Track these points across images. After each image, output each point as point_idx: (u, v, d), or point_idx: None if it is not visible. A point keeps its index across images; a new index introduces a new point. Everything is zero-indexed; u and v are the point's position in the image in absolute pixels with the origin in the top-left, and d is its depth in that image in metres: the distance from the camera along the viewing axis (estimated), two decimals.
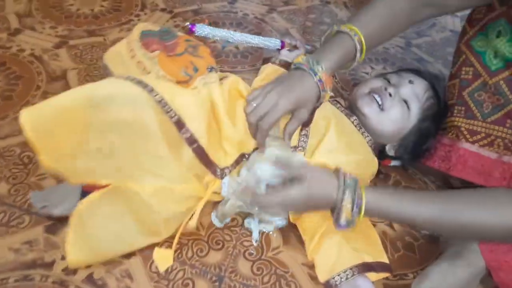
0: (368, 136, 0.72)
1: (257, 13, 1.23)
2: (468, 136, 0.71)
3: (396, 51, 1.17)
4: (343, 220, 0.56)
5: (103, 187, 0.58)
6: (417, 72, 0.78)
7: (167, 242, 0.64)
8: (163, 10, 1.17)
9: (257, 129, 0.58)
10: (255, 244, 0.66)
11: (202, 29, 0.76)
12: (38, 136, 0.51)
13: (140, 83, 0.57)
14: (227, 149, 0.65)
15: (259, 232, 0.68)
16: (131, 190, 0.58)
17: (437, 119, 0.75)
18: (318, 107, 0.68)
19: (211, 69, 0.70)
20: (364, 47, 0.63)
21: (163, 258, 0.62)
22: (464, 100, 0.72)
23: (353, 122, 0.72)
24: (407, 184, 0.81)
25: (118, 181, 0.58)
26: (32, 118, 0.51)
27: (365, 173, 0.70)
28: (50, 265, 0.60)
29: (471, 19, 0.74)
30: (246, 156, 0.66)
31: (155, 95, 0.57)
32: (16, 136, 0.76)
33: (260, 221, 0.68)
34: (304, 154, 0.67)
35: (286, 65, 0.82)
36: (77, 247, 0.58)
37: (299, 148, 0.68)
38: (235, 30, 1.13)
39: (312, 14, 1.28)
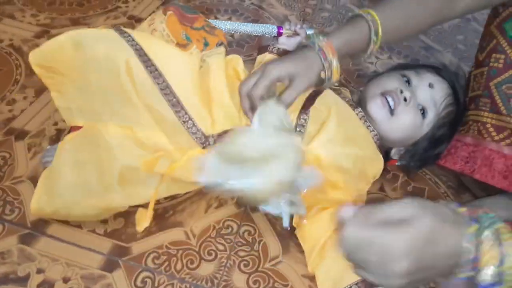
0: (373, 131, 0.65)
1: None
2: (494, 133, 0.64)
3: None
4: (486, 275, 0.36)
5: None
6: (438, 70, 0.70)
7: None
8: None
9: (247, 100, 0.54)
10: (286, 225, 0.57)
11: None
12: (44, 72, 0.58)
13: (123, 33, 0.58)
14: (217, 117, 0.60)
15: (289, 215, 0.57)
16: (97, 132, 0.58)
17: (453, 126, 0.68)
18: (324, 85, 0.58)
19: (220, 44, 0.67)
20: (380, 33, 0.56)
21: (142, 218, 0.60)
22: (491, 92, 0.65)
23: (357, 114, 0.65)
24: (417, 184, 0.75)
25: (89, 122, 0.59)
26: (36, 56, 0.57)
27: (367, 171, 0.64)
28: (24, 279, 0.54)
29: None
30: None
31: (133, 45, 0.57)
32: None
33: (290, 203, 0.56)
34: (302, 140, 0.60)
35: (286, 53, 0.76)
36: (42, 194, 0.57)
37: (297, 132, 0.61)
38: (229, 18, 1.07)
39: (312, 0, 1.20)
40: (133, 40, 0.57)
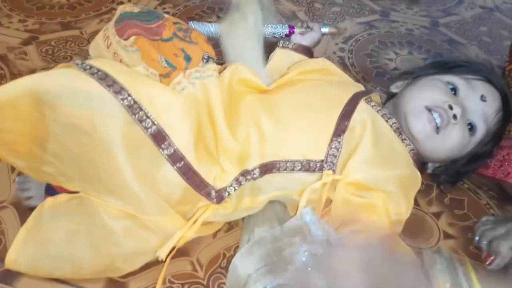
0: (410, 145, 0.57)
1: None
2: None
3: (421, 32, 1.01)
4: None
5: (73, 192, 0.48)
6: (488, 75, 0.60)
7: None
8: None
9: None
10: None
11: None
12: None
13: (105, 79, 0.43)
14: (225, 165, 0.50)
15: None
16: (95, 207, 0.46)
17: (498, 141, 0.60)
18: None
19: (207, 59, 0.53)
20: None
21: None
22: None
23: (391, 126, 0.56)
24: (455, 196, 0.66)
25: (83, 191, 0.47)
26: None
27: (408, 191, 0.54)
28: None
29: None
30: (250, 173, 0.51)
31: (125, 98, 0.43)
32: None
33: None
34: (334, 172, 0.52)
35: (301, 48, 0.68)
36: (24, 246, 0.47)
37: (327, 165, 0.52)
38: None
39: None
40: (120, 88, 0.43)
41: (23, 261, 0.47)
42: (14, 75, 0.76)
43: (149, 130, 0.44)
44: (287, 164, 0.52)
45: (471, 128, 0.57)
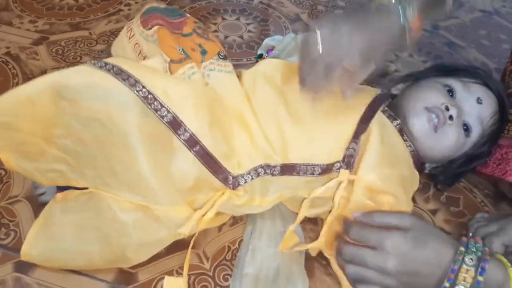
0: (410, 146, 0.59)
1: None
2: None
3: (421, 35, 1.03)
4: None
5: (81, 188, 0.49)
6: (484, 79, 0.63)
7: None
8: None
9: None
10: None
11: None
12: None
13: (120, 73, 0.45)
14: (243, 151, 0.52)
15: None
16: (105, 201, 0.48)
17: (494, 142, 0.62)
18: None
19: (224, 56, 0.57)
20: None
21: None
22: None
23: (395, 127, 0.59)
24: (451, 194, 0.68)
25: (94, 186, 0.48)
26: None
27: (408, 191, 0.56)
28: None
29: None
30: (271, 168, 0.53)
31: (140, 90, 0.45)
32: None
33: None
34: (350, 172, 0.54)
35: None
36: (36, 240, 0.49)
37: (345, 164, 0.53)
38: (238, 18, 1.01)
39: None
40: (135, 81, 0.45)
41: (36, 254, 0.49)
42: (26, 75, 0.78)
43: (165, 118, 0.46)
44: (307, 168, 0.53)
45: (467, 129, 0.59)
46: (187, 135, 0.47)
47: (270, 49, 0.86)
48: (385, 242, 0.45)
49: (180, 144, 0.48)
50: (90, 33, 0.90)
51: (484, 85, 0.62)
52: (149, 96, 0.45)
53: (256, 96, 0.56)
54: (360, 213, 0.50)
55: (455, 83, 0.61)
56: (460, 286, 0.42)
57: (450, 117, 0.57)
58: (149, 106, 0.45)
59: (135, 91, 0.45)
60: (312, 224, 0.60)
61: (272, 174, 0.53)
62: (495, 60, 0.96)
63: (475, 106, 0.60)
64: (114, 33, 0.90)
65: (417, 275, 0.45)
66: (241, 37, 0.95)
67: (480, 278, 0.42)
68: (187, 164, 0.49)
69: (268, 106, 0.56)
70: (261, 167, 0.53)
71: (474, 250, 0.44)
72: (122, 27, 0.91)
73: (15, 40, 0.86)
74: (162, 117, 0.46)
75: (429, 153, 0.60)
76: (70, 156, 0.47)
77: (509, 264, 0.44)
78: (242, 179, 0.52)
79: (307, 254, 0.56)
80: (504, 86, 0.66)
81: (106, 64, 0.46)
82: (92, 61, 0.47)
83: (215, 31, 0.95)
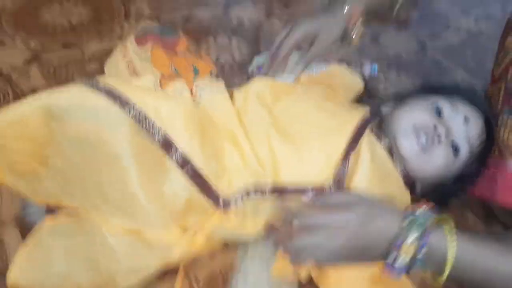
0: (400, 165, 0.60)
1: (254, 19, 1.11)
2: None
3: (409, 55, 1.06)
4: (399, 260, 0.42)
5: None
6: (471, 98, 0.64)
7: None
8: (149, 17, 1.05)
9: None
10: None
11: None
12: None
13: (111, 93, 0.45)
14: (234, 170, 0.53)
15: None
16: (95, 225, 0.47)
17: (483, 161, 0.63)
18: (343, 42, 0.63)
19: (215, 76, 0.58)
20: None
21: None
22: None
23: (382, 145, 0.60)
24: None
25: (84, 208, 0.48)
26: None
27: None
28: None
29: None
30: (262, 189, 0.53)
31: (131, 109, 0.45)
32: None
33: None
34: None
35: None
36: (23, 265, 0.49)
37: (334, 185, 0.54)
38: (229, 39, 1.02)
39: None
40: (126, 100, 0.45)
41: (23, 279, 0.49)
42: (17, 94, 0.78)
43: (156, 136, 0.46)
44: (298, 189, 0.54)
45: (455, 148, 0.60)
46: (179, 154, 0.48)
47: (260, 66, 0.87)
48: (332, 221, 0.45)
49: (172, 164, 0.48)
50: (82, 53, 0.90)
51: (471, 105, 0.63)
52: (141, 116, 0.46)
53: (247, 115, 0.57)
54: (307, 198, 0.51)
55: (442, 103, 0.62)
56: (401, 259, 0.42)
57: (439, 137, 0.58)
58: (141, 126, 0.46)
59: (127, 111, 0.45)
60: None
61: (262, 194, 0.53)
62: (482, 81, 0.98)
63: (463, 125, 0.61)
64: (108, 53, 0.90)
65: (364, 249, 0.45)
66: (233, 57, 0.96)
67: (419, 256, 0.42)
68: (178, 184, 0.49)
69: (259, 125, 0.56)
70: (252, 187, 0.53)
71: (418, 222, 0.43)
72: (115, 47, 0.92)
73: (7, 60, 0.86)
74: (154, 136, 0.46)
75: (418, 172, 0.61)
76: (60, 176, 0.46)
77: (453, 235, 0.43)
78: (233, 199, 0.51)
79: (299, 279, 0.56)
80: (489, 107, 0.67)
81: (97, 83, 0.46)
82: (83, 81, 0.47)
83: (206, 51, 0.96)
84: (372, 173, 0.54)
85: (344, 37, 0.62)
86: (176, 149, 0.47)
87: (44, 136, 0.45)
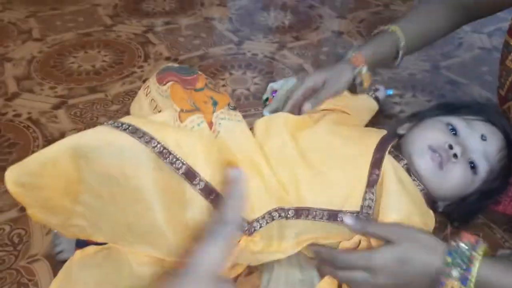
0: (420, 185, 0.60)
1: (266, 51, 1.15)
2: None
3: (423, 75, 1.06)
4: None
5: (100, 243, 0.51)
6: (489, 116, 0.64)
7: None
8: (167, 58, 1.10)
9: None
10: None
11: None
12: (24, 191, 0.47)
13: (136, 132, 0.48)
14: (256, 195, 0.53)
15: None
16: (123, 256, 0.49)
17: (507, 178, 0.62)
18: (358, 90, 0.70)
19: (233, 107, 0.60)
20: (404, 41, 0.70)
21: None
22: None
23: (402, 167, 0.60)
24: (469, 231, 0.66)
25: (111, 241, 0.50)
26: (16, 173, 0.46)
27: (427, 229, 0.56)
28: None
29: None
30: (285, 211, 0.53)
31: (155, 145, 0.47)
32: (7, 211, 0.67)
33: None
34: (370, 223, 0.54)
35: None
36: None
37: (363, 216, 0.54)
38: (244, 72, 1.06)
39: (325, 47, 1.20)
40: (150, 137, 0.47)
41: None
42: (46, 137, 0.82)
43: (180, 170, 0.48)
44: (324, 212, 0.54)
45: (473, 166, 0.59)
46: (202, 184, 0.49)
47: (274, 92, 0.89)
48: (371, 263, 0.48)
49: (193, 194, 0.49)
50: (106, 95, 0.95)
51: (488, 122, 0.63)
52: (164, 151, 0.48)
53: (268, 143, 0.58)
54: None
55: (457, 122, 0.62)
56: None
57: (455, 155, 0.58)
58: (165, 160, 0.47)
59: (151, 147, 0.47)
60: None
61: (287, 218, 0.53)
62: None
63: (480, 143, 0.60)
64: (129, 94, 0.95)
65: (407, 286, 0.49)
66: (248, 89, 0.99)
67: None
68: (201, 214, 0.49)
69: (280, 152, 0.57)
70: (275, 210, 0.53)
71: (460, 261, 0.46)
72: (136, 88, 0.97)
73: (36, 106, 0.91)
74: (178, 169, 0.48)
75: (438, 191, 0.60)
76: (88, 211, 0.48)
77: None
78: (257, 224, 0.52)
79: None
80: (508, 122, 0.66)
81: (122, 124, 0.49)
82: (109, 122, 0.50)
83: (224, 85, 1.00)
84: (400, 194, 0.54)
85: (354, 83, 0.69)
86: (200, 179, 0.49)
87: (73, 174, 0.47)
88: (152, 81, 0.62)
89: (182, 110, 0.55)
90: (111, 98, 0.94)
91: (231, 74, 1.05)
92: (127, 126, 0.48)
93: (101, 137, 0.47)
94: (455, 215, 0.64)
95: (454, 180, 0.59)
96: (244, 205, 0.46)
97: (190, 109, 0.56)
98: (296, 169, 0.55)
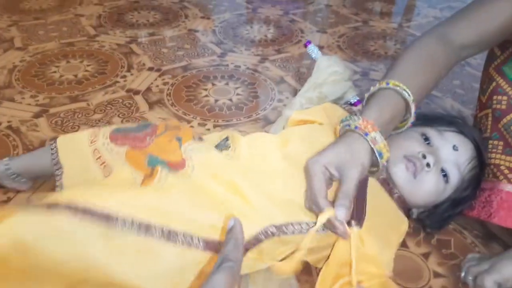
0: (396, 192, 0.62)
1: (249, 63, 1.18)
2: (510, 175, 0.61)
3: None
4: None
5: None
6: (461, 128, 0.67)
7: None
8: (150, 69, 1.12)
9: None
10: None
11: (313, 49, 0.95)
12: None
13: (108, 218, 0.45)
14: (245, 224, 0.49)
15: None
16: None
17: (477, 186, 0.65)
18: (378, 172, 0.56)
19: (199, 139, 0.60)
20: (410, 95, 0.55)
21: None
22: (501, 134, 0.63)
23: (378, 180, 0.61)
24: (441, 237, 0.69)
25: None
26: None
27: (390, 237, 0.58)
28: None
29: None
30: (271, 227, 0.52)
31: (120, 223, 0.46)
32: None
33: None
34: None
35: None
36: None
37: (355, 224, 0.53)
38: (227, 83, 1.08)
39: (306, 59, 1.23)
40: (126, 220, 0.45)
41: None
42: (26, 145, 0.82)
43: (159, 234, 0.47)
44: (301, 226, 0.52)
45: (445, 175, 0.62)
46: (182, 237, 0.47)
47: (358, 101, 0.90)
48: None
49: (179, 246, 0.47)
50: (88, 104, 0.95)
51: (460, 133, 0.66)
52: (139, 225, 0.46)
53: (253, 160, 0.58)
54: None
55: (431, 132, 0.65)
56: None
57: (428, 165, 0.60)
58: (143, 233, 0.46)
59: (118, 225, 0.45)
60: (307, 275, 0.60)
61: (273, 235, 0.51)
62: (470, 107, 1.01)
63: (452, 153, 0.63)
64: (111, 103, 0.96)
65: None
66: (230, 99, 1.01)
67: None
68: (193, 261, 0.48)
69: (265, 165, 0.57)
70: (265, 230, 0.51)
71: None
72: (119, 97, 0.98)
73: (16, 114, 0.91)
74: (156, 235, 0.46)
75: (412, 199, 0.63)
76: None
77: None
78: (248, 244, 0.50)
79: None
80: (479, 132, 0.70)
81: (76, 205, 0.45)
82: (67, 205, 0.45)
83: (206, 95, 1.01)
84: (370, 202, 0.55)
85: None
86: (179, 234, 0.47)
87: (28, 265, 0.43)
88: (103, 135, 0.61)
89: (146, 176, 0.55)
90: (93, 108, 0.94)
91: (213, 84, 1.06)
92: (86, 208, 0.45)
93: (40, 217, 0.44)
94: (428, 221, 0.66)
95: (426, 188, 0.61)
96: (243, 241, 0.45)
97: (148, 172, 0.56)
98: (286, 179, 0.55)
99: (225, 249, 0.42)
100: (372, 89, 0.57)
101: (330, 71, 0.87)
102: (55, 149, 0.63)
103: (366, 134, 0.50)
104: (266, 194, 0.53)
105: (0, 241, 0.42)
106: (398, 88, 0.55)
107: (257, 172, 0.56)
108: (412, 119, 0.58)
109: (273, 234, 0.51)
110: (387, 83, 0.55)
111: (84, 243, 0.44)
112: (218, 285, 0.36)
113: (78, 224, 0.44)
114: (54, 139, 0.83)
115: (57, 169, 0.62)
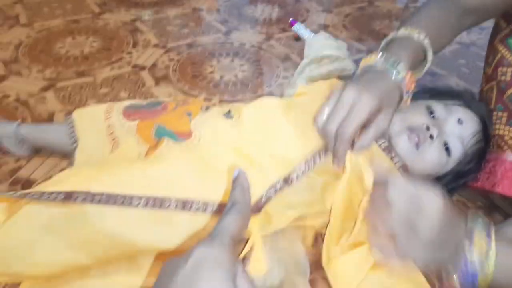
0: (398, 162, 0.62)
1: (254, 41, 1.18)
2: None
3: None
4: (475, 254, 0.45)
5: None
6: (467, 102, 0.67)
7: None
8: (155, 45, 1.12)
9: (336, 140, 0.47)
10: None
11: (299, 28, 1.03)
12: None
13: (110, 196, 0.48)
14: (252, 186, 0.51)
15: None
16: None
17: (481, 160, 0.65)
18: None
19: (206, 108, 0.62)
20: (430, 44, 0.56)
21: None
22: (505, 105, 0.63)
23: (380, 146, 0.62)
24: None
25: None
26: None
27: None
28: None
29: (506, 13, 0.65)
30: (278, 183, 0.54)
31: (144, 202, 0.49)
32: None
33: None
34: None
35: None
36: None
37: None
38: (232, 60, 1.08)
39: None
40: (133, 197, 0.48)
41: None
42: (35, 118, 0.83)
43: (173, 205, 0.50)
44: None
45: (447, 148, 0.63)
46: (197, 205, 0.50)
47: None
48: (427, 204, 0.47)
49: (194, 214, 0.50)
50: (94, 79, 0.96)
51: (466, 107, 0.66)
52: (155, 202, 0.49)
53: (257, 125, 0.60)
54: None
55: (436, 105, 0.66)
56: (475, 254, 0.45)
57: (431, 137, 0.61)
58: (158, 208, 0.49)
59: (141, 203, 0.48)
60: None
61: (280, 189, 0.53)
62: (476, 85, 1.01)
63: (456, 126, 0.64)
64: (117, 78, 0.96)
65: (445, 246, 0.47)
66: (236, 76, 1.01)
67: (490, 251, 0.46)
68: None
69: (265, 130, 0.59)
70: (273, 185, 0.53)
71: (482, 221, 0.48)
72: (125, 73, 0.98)
73: (24, 88, 0.92)
74: (171, 208, 0.49)
75: (414, 168, 0.63)
76: None
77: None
78: (260, 202, 0.52)
79: (311, 267, 0.57)
80: (486, 107, 0.70)
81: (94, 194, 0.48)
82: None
83: (211, 72, 1.02)
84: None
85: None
86: (193, 203, 0.50)
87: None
88: (117, 111, 0.63)
89: (150, 148, 0.58)
90: (99, 82, 0.95)
91: (219, 61, 1.07)
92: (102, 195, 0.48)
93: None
94: None
95: (429, 159, 0.62)
96: (249, 187, 0.47)
97: (154, 144, 0.58)
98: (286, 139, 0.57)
99: (233, 194, 0.44)
100: (391, 35, 0.59)
101: (323, 55, 0.88)
102: (72, 123, 0.64)
103: (406, 92, 0.53)
104: (271, 153, 0.55)
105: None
106: (419, 37, 0.56)
107: (261, 132, 0.58)
108: (429, 64, 0.59)
109: (281, 188, 0.53)
110: (408, 32, 0.57)
111: (104, 223, 0.47)
112: (228, 224, 0.39)
113: (96, 208, 0.47)
114: (63, 111, 0.85)
115: (73, 143, 0.64)
